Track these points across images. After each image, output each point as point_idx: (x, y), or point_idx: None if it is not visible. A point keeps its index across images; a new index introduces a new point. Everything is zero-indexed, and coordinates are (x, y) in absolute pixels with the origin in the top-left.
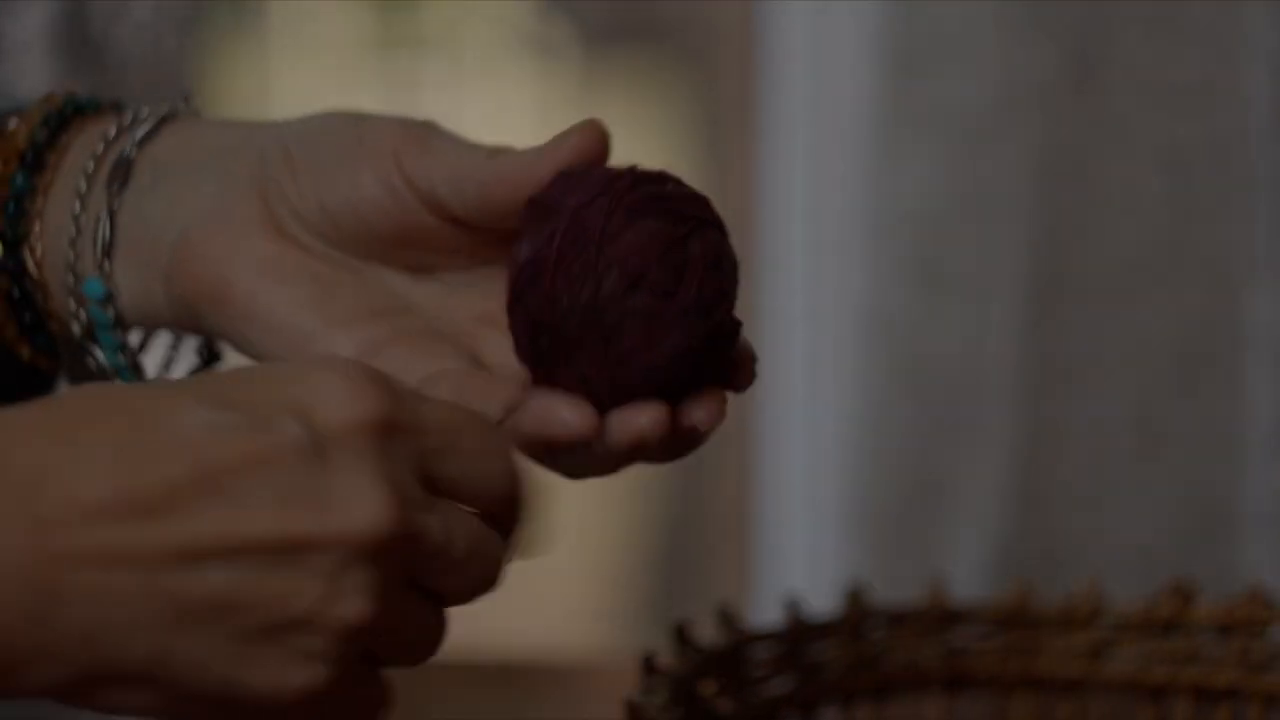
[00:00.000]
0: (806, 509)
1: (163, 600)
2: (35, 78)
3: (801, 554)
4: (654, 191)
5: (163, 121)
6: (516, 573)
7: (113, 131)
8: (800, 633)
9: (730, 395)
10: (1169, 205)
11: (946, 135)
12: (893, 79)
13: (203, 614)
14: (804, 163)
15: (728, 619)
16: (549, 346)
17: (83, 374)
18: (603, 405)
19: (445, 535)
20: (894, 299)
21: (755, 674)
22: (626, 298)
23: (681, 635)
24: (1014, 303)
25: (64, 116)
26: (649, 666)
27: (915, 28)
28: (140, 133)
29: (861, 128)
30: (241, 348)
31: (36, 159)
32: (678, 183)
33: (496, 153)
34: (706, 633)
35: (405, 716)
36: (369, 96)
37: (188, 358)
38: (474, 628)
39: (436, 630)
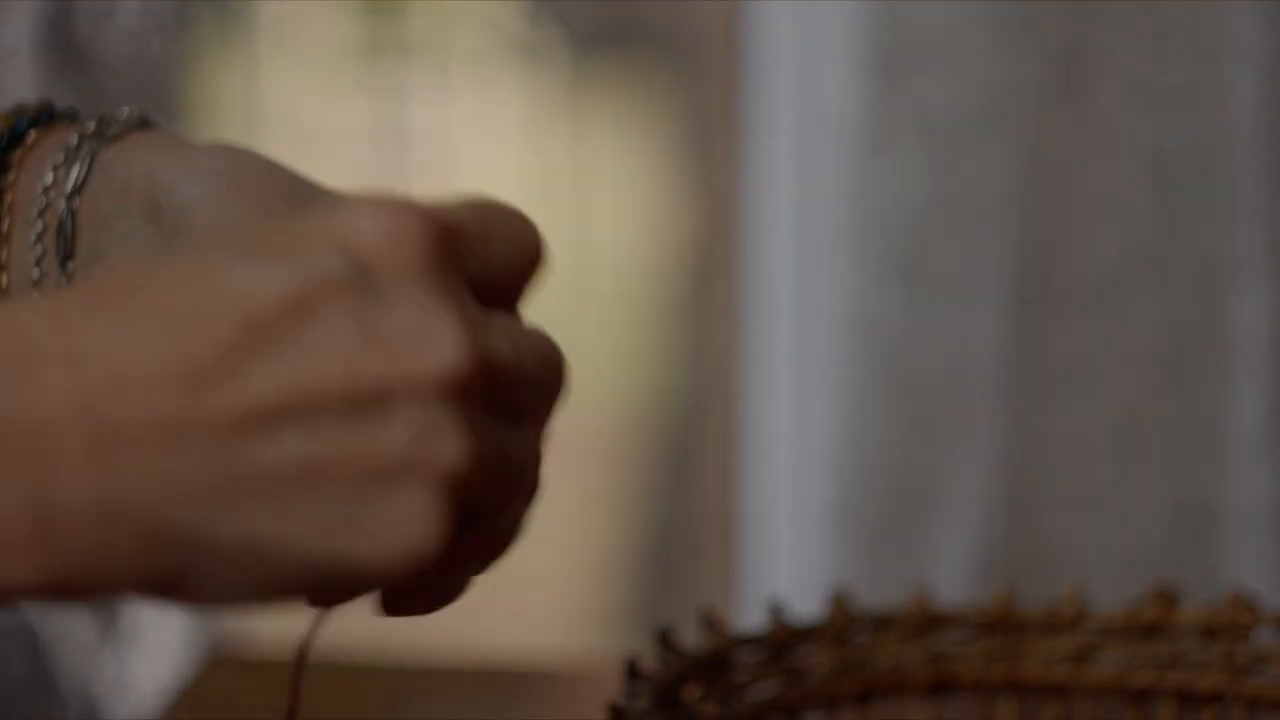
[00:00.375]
0: (792, 513)
1: (238, 472)
2: (20, 82)
3: (787, 558)
4: None
5: (119, 136)
6: (501, 577)
7: (49, 178)
8: (784, 637)
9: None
10: (1154, 209)
11: (931, 140)
12: (877, 83)
13: (286, 481)
14: (789, 167)
15: (711, 623)
16: None
17: None
18: None
19: (514, 352)
20: (879, 303)
21: (739, 679)
22: None
23: (665, 640)
24: (999, 307)
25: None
26: (632, 671)
27: (900, 32)
28: (74, 182)
29: (846, 132)
30: None
31: None
32: None
33: None
34: (690, 637)
35: (387, 718)
36: (356, 102)
37: None
38: (459, 630)
39: (534, 459)
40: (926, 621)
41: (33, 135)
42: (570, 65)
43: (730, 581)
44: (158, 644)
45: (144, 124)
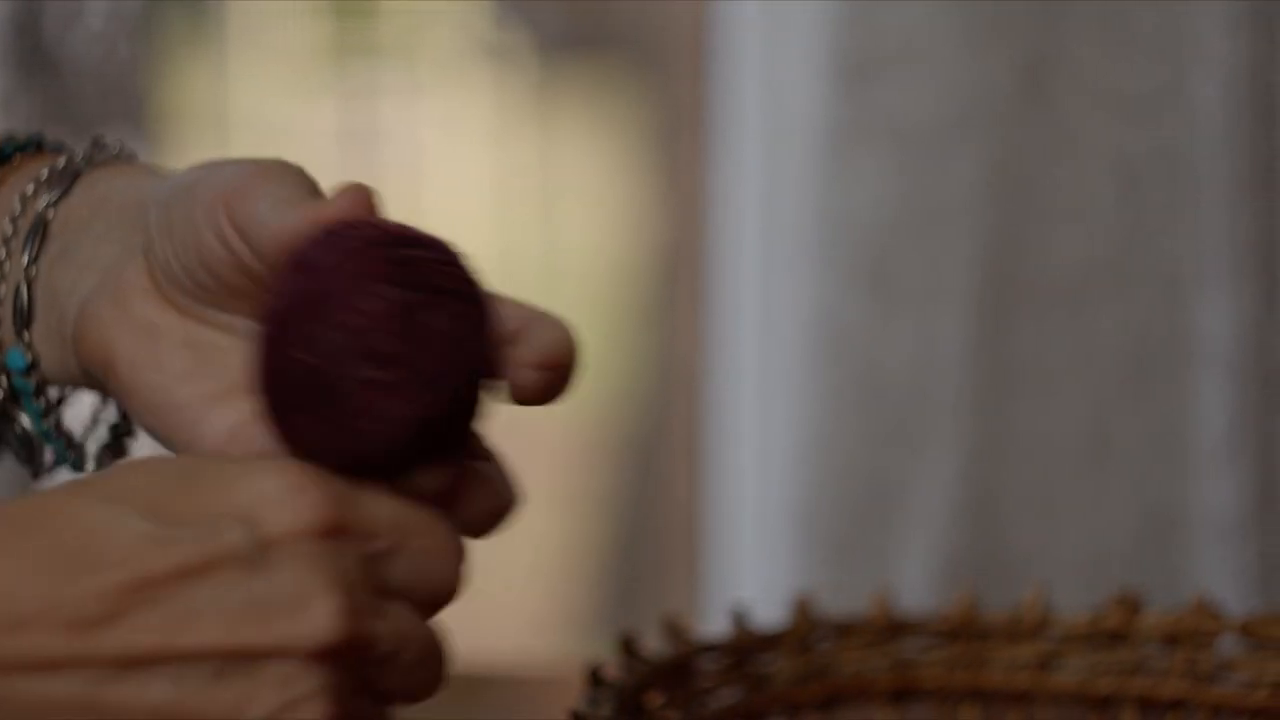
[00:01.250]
0: (757, 520)
1: (105, 712)
2: None
3: (752, 565)
4: (405, 257)
5: (78, 177)
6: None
7: (30, 189)
8: (747, 644)
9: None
10: (1120, 214)
11: (898, 144)
12: (844, 87)
13: None
14: (755, 170)
15: (675, 630)
16: (279, 404)
17: (6, 440)
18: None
19: (396, 640)
20: (844, 307)
21: (702, 685)
22: (355, 366)
23: (628, 646)
24: (965, 312)
25: None
26: (595, 678)
27: (867, 36)
28: (54, 195)
29: (813, 135)
30: (137, 422)
31: None
32: (440, 249)
33: (290, 204)
34: (654, 643)
35: None
36: (325, 103)
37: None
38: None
39: None
40: (889, 628)
41: (18, 159)
42: (539, 67)
43: (695, 587)
44: None
45: (130, 157)
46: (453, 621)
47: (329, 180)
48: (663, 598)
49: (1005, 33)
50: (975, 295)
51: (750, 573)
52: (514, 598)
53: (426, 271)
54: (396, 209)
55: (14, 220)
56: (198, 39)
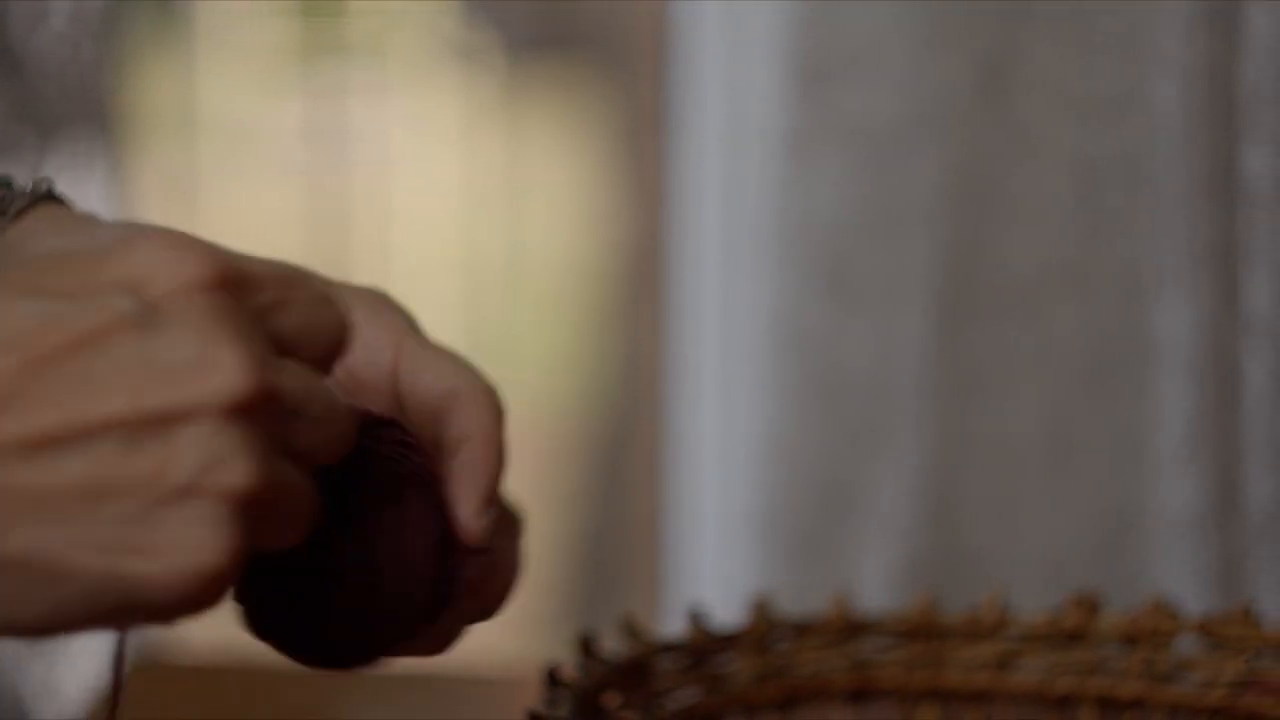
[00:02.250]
0: (718, 520)
1: (17, 494)
2: None
3: (713, 565)
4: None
5: (21, 213)
6: None
7: None
8: (705, 644)
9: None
10: (1079, 217)
11: (857, 145)
12: (803, 88)
13: (69, 503)
14: (715, 171)
15: (633, 630)
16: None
17: None
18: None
19: (302, 391)
20: (804, 309)
21: (660, 686)
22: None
23: (586, 646)
24: (925, 314)
25: None
26: (552, 678)
27: (827, 37)
28: None
29: (772, 137)
30: None
31: None
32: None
33: None
34: (613, 644)
35: None
36: (293, 103)
37: None
38: None
39: (309, 498)
40: (847, 628)
41: None
42: (506, 67)
43: (658, 589)
44: (85, 649)
45: (50, 197)
46: None
47: (297, 179)
48: (626, 598)
49: (965, 35)
50: (935, 297)
51: (711, 573)
52: None
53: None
54: (365, 207)
55: None
56: (164, 38)
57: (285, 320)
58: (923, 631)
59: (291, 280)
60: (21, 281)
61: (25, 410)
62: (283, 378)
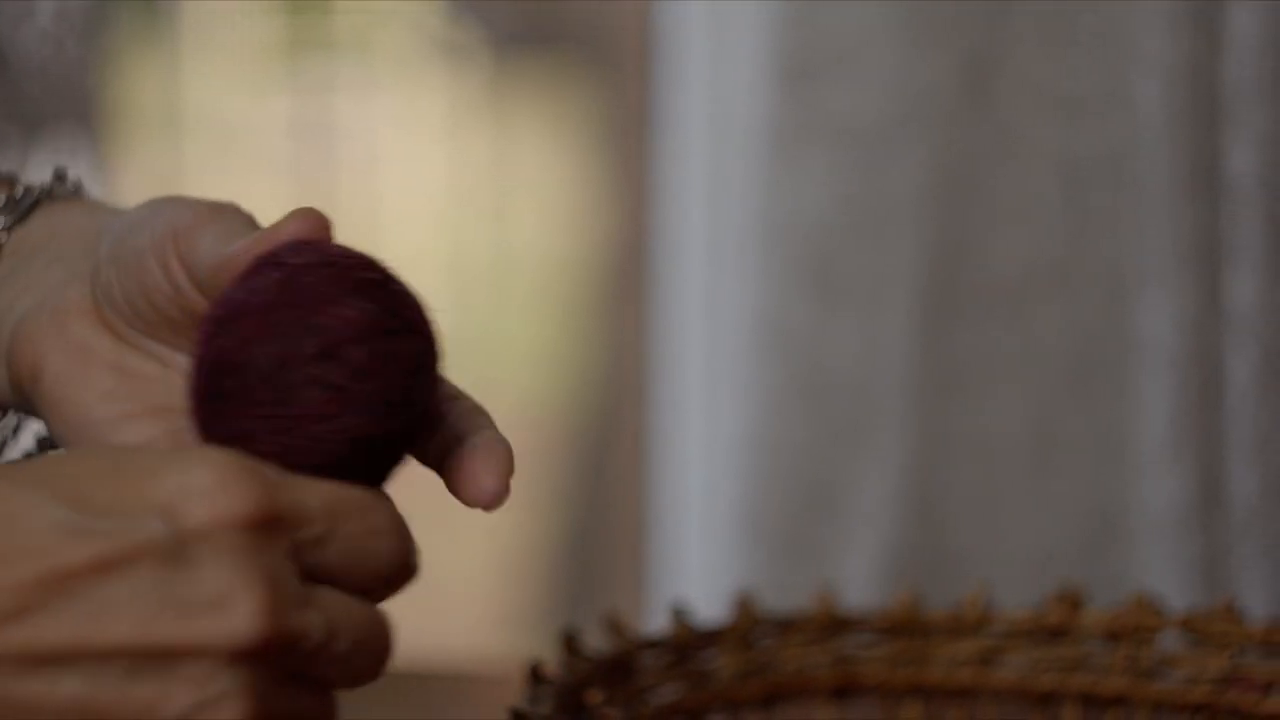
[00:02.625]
0: (703, 517)
1: (16, 707)
2: None
3: (698, 563)
4: (380, 280)
5: (36, 204)
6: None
7: None
8: (688, 640)
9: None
10: (1062, 216)
11: (841, 144)
12: (788, 87)
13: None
14: (700, 170)
15: (616, 627)
16: (225, 392)
17: None
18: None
19: (328, 630)
20: (788, 307)
21: (643, 682)
22: (317, 365)
23: (569, 643)
24: (909, 312)
25: None
26: (535, 675)
27: (811, 36)
28: (10, 220)
29: (756, 136)
30: (53, 434)
31: None
32: (403, 284)
33: (235, 237)
34: (597, 640)
35: None
36: (279, 100)
37: (26, 439)
38: None
39: (327, 715)
40: (831, 625)
41: None
42: (492, 64)
43: (643, 586)
44: None
45: (84, 193)
46: (399, 618)
47: (283, 176)
48: (611, 595)
49: (948, 33)
50: (919, 295)
51: (696, 571)
52: (463, 594)
53: (394, 300)
54: (351, 204)
55: None
56: (150, 36)
57: (330, 553)
58: (906, 628)
59: (342, 511)
60: (62, 486)
61: (36, 623)
62: (308, 617)
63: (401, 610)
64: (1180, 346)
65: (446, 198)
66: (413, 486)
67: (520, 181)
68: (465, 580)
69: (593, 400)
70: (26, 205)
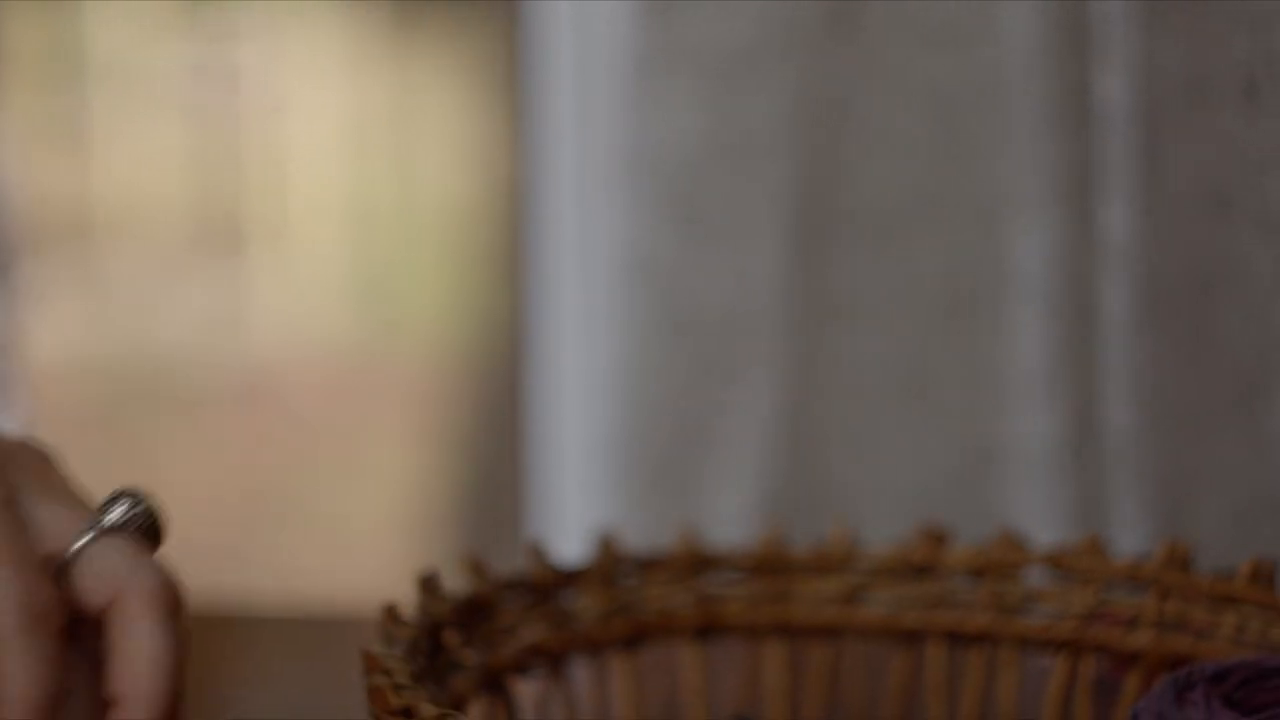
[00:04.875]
0: (579, 457)
1: None
2: None
3: (574, 502)
4: None
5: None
6: (318, 522)
7: None
8: (549, 580)
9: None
10: (932, 145)
11: (706, 73)
12: (650, 15)
13: None
14: (568, 105)
15: (476, 567)
16: None
17: None
18: None
19: None
20: (658, 240)
21: (503, 623)
22: None
23: (427, 584)
24: (778, 246)
25: None
26: (392, 617)
27: None
28: None
29: (620, 67)
30: None
31: None
32: None
33: None
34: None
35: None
36: (183, 45)
37: None
38: (282, 576)
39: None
40: (695, 563)
41: None
42: (391, 7)
43: (518, 526)
44: None
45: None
46: (310, 565)
47: (185, 121)
48: (486, 537)
49: None
50: (788, 228)
51: (573, 510)
52: (367, 540)
53: None
54: (253, 149)
55: None
56: None
57: None
58: (770, 566)
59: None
60: None
61: None
62: None
63: (307, 556)
64: (1053, 279)
65: (349, 141)
66: (314, 431)
67: (422, 124)
68: (370, 525)
69: (495, 341)
70: None
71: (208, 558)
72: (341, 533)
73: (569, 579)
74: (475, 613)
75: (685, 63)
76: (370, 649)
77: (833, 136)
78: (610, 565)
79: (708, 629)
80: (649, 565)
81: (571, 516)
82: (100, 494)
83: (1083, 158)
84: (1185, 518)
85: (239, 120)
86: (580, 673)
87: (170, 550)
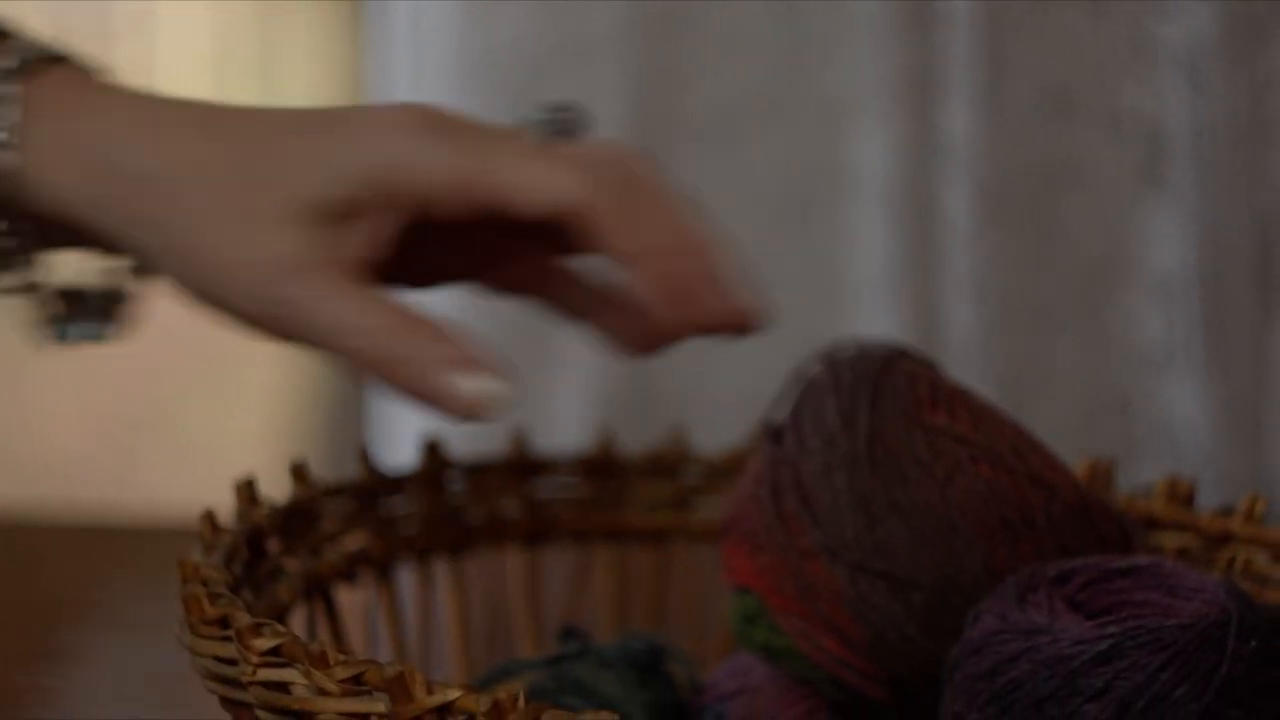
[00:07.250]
0: None
1: None
2: None
3: (412, 412)
4: None
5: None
6: (187, 433)
7: None
8: (375, 486)
9: None
10: (773, 45)
11: None
12: None
13: None
14: (403, 9)
15: (298, 473)
16: None
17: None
18: None
19: None
20: None
21: (326, 530)
22: None
23: (244, 490)
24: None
25: None
26: (210, 524)
27: None
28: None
29: None
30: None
31: None
32: None
33: None
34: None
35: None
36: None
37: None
38: (131, 492)
39: None
40: (523, 469)
41: None
42: None
43: (379, 429)
44: None
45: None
46: (173, 479)
47: (58, 35)
48: (345, 440)
49: None
50: (626, 130)
51: (414, 420)
52: (233, 453)
53: None
54: (121, 65)
55: None
56: None
57: None
58: (601, 470)
59: None
60: None
61: None
62: None
63: (174, 469)
64: (894, 180)
65: (213, 57)
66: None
67: (287, 39)
68: (236, 438)
69: None
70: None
71: (77, 470)
72: (209, 446)
73: (395, 484)
74: (298, 519)
75: None
76: (187, 557)
77: (671, 37)
78: (437, 470)
79: (537, 534)
80: (477, 470)
81: (412, 426)
82: None
83: (925, 59)
84: (1026, 418)
85: (107, 36)
86: (406, 580)
87: (40, 463)
